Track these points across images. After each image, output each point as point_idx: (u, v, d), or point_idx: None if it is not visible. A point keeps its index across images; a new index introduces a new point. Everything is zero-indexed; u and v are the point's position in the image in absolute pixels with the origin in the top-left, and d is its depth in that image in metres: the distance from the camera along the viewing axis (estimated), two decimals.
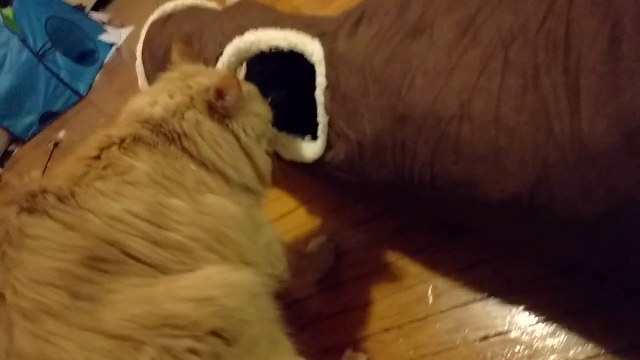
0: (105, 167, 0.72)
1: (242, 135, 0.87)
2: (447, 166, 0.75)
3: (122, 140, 0.76)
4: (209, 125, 0.82)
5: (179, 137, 0.79)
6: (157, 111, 0.81)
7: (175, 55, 1.01)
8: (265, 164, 0.93)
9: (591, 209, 0.59)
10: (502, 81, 0.68)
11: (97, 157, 0.74)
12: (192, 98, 0.83)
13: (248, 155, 0.89)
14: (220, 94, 0.83)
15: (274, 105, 1.02)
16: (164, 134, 0.79)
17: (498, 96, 0.68)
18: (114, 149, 0.75)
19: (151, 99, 0.84)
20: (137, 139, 0.76)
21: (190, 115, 0.81)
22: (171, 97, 0.83)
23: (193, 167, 0.79)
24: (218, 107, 0.83)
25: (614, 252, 0.63)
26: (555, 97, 0.61)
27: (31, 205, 0.65)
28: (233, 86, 0.83)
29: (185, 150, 0.79)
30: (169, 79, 0.90)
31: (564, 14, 0.64)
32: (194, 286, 0.66)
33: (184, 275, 0.68)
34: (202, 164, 0.80)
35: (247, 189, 0.87)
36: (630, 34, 0.56)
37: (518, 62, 0.67)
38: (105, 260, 0.63)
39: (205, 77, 0.88)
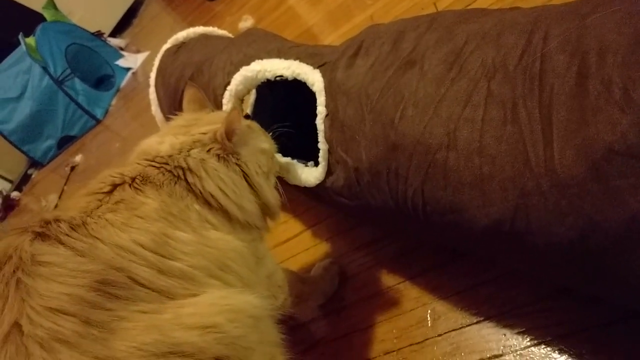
0: (117, 203, 0.75)
1: (253, 174, 0.90)
2: (437, 193, 0.77)
3: (133, 179, 0.79)
4: (214, 164, 0.85)
5: (184, 173, 0.82)
6: (165, 148, 0.85)
7: (185, 101, 1.07)
8: (275, 199, 0.96)
9: (565, 234, 0.61)
10: (485, 112, 0.70)
11: (110, 193, 0.77)
12: (194, 142, 0.87)
13: (257, 192, 0.92)
14: (229, 134, 0.87)
15: (278, 135, 1.07)
16: (170, 172, 0.82)
17: (481, 126, 0.70)
18: (126, 186, 0.78)
19: (159, 139, 0.89)
20: (145, 179, 0.80)
21: (195, 152, 0.85)
22: (176, 137, 0.88)
23: (197, 206, 0.81)
24: (228, 147, 0.87)
25: (594, 277, 0.65)
26: (531, 129, 0.64)
27: (44, 231, 0.68)
28: (236, 120, 0.88)
29: (189, 188, 0.82)
30: (173, 126, 0.96)
31: (539, 50, 0.67)
32: (199, 313, 0.67)
33: (189, 301, 0.69)
34: (206, 202, 0.82)
35: (249, 226, 0.90)
36: (595, 71, 0.59)
37: (499, 94, 0.70)
38: (114, 285, 0.65)
39: (201, 126, 0.91)
